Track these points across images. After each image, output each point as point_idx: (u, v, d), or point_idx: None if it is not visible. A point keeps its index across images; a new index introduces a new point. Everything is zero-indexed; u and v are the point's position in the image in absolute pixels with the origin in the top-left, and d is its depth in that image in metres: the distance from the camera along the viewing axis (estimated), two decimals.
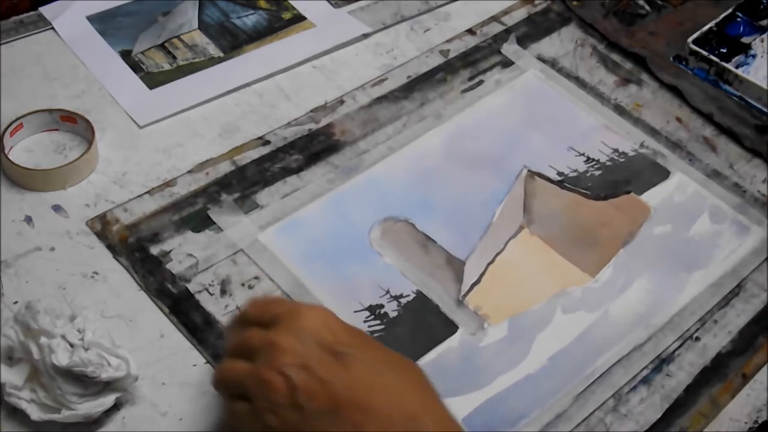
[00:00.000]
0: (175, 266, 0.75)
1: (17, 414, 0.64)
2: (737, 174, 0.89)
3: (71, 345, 0.63)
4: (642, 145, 0.91)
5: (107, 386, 0.64)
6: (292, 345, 0.58)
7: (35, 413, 0.63)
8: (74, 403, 0.63)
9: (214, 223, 0.79)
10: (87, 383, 0.63)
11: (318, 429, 0.57)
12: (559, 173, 0.87)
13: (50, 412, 0.63)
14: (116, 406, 0.66)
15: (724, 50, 0.99)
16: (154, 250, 0.76)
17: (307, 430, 0.57)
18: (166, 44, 0.94)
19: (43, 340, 0.63)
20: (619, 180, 0.87)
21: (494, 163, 0.87)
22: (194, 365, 0.70)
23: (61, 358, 0.62)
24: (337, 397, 0.57)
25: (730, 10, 1.02)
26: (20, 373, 0.64)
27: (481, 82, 0.95)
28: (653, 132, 0.92)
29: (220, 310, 0.73)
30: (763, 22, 1.02)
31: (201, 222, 0.79)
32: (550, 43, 1.01)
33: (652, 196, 0.85)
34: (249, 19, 0.99)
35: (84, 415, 0.63)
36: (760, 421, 0.71)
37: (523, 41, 1.00)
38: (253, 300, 0.68)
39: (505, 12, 1.04)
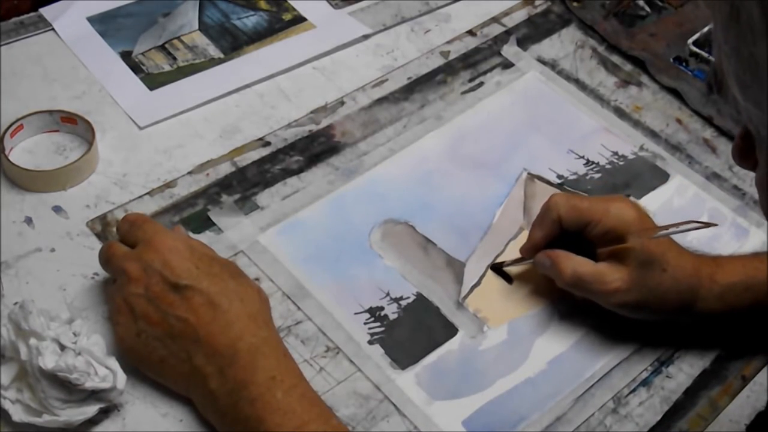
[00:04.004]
0: None
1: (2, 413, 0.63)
2: (737, 176, 0.89)
3: (62, 348, 0.63)
4: (642, 148, 0.91)
5: (92, 395, 0.64)
6: (138, 276, 0.67)
7: (17, 414, 0.62)
8: (57, 408, 0.62)
9: (215, 224, 0.79)
10: (71, 390, 0.63)
11: (158, 350, 0.66)
12: (559, 176, 0.87)
13: (32, 415, 0.63)
14: (116, 407, 0.66)
15: None
16: None
17: (148, 350, 0.66)
18: (167, 45, 0.94)
19: (33, 341, 0.63)
20: (618, 183, 0.87)
21: (494, 166, 0.87)
22: None
23: (48, 361, 0.62)
24: (171, 327, 0.65)
25: None
26: (8, 372, 0.64)
27: (481, 84, 0.95)
28: (653, 134, 0.92)
29: None
30: None
31: (201, 223, 0.79)
32: (551, 44, 1.01)
33: (651, 200, 0.85)
34: (249, 20, 0.99)
35: (65, 421, 0.62)
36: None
37: (524, 43, 1.00)
38: (124, 218, 0.73)
39: (506, 13, 1.04)
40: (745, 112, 0.47)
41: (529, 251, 0.75)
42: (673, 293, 0.70)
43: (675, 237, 0.72)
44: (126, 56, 0.93)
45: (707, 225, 0.69)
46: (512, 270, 0.79)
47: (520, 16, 1.04)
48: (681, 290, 0.70)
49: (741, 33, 0.44)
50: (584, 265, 0.71)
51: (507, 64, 0.98)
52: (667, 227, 0.70)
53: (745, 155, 0.52)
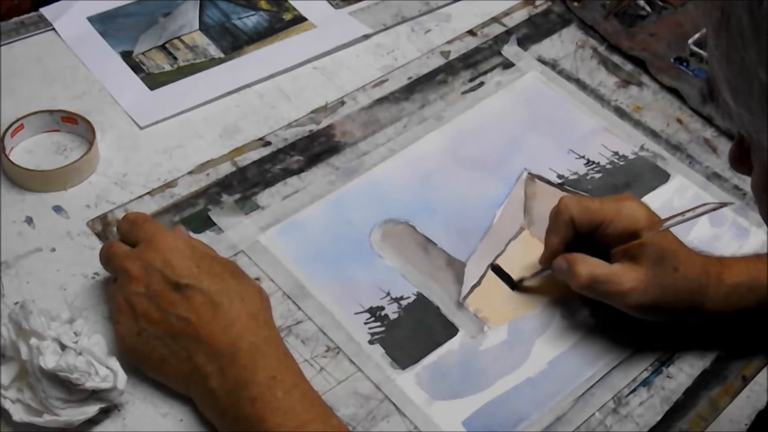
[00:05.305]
0: None
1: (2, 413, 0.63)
2: (737, 176, 0.89)
3: (63, 347, 0.63)
4: (642, 148, 0.91)
5: (92, 395, 0.64)
6: (139, 274, 0.67)
7: (18, 414, 0.62)
8: (57, 408, 0.62)
9: (215, 224, 0.79)
10: (72, 389, 0.63)
11: (158, 349, 0.66)
12: (560, 176, 0.87)
13: (32, 415, 0.63)
14: (117, 407, 0.66)
15: None
16: None
17: (148, 349, 0.66)
18: (167, 45, 0.94)
19: (33, 341, 0.63)
20: (619, 183, 0.87)
21: (495, 165, 0.87)
22: None
23: (48, 361, 0.62)
24: (172, 326, 0.65)
25: None
26: (9, 371, 0.64)
27: (481, 84, 0.95)
28: (653, 134, 0.92)
29: None
30: None
31: (202, 223, 0.79)
32: (551, 44, 1.01)
33: (651, 200, 0.85)
34: (250, 20, 0.99)
35: (65, 421, 0.62)
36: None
37: (524, 42, 1.00)
38: (124, 218, 0.74)
39: (506, 13, 1.04)
40: (737, 117, 0.47)
41: (548, 260, 0.74)
42: (685, 293, 0.70)
43: (681, 238, 0.72)
44: (126, 56, 0.93)
45: (721, 205, 0.69)
46: (513, 271, 0.79)
47: (521, 16, 1.04)
48: (692, 290, 0.70)
49: (731, 39, 0.44)
50: (599, 267, 0.71)
51: (507, 64, 0.98)
52: (682, 213, 0.70)
53: (740, 160, 0.52)
